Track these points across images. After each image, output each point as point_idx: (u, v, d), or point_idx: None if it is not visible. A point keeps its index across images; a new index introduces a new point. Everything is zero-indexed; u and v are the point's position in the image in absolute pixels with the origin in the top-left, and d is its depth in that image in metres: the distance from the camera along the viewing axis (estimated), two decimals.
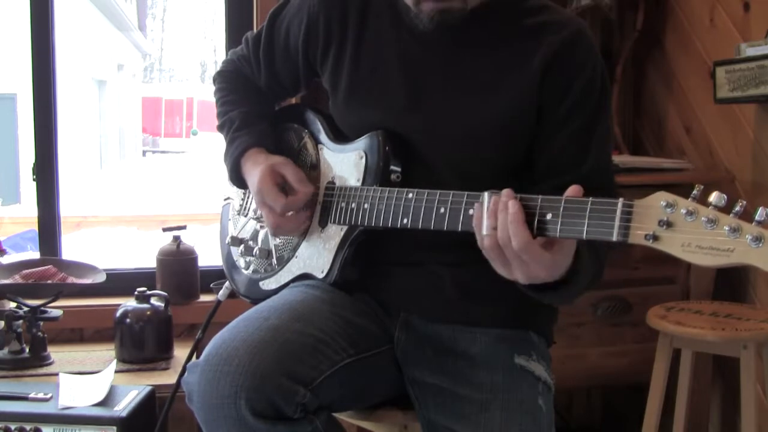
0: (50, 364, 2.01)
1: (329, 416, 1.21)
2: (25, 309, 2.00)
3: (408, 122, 1.30)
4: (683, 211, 0.92)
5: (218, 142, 1.54)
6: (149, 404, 1.77)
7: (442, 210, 1.15)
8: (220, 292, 1.62)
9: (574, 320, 2.15)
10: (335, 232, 1.32)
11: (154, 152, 17.23)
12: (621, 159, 2.25)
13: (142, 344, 2.01)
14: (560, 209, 1.01)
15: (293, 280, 1.40)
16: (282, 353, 1.14)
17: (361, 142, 1.32)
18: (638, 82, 2.69)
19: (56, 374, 1.87)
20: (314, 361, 1.18)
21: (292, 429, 1.13)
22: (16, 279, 2.05)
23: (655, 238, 0.93)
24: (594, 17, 2.50)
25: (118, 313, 2.03)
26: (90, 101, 12.01)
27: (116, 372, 1.87)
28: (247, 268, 1.48)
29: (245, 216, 1.51)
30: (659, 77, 2.60)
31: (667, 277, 2.22)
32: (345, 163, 1.34)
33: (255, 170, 1.35)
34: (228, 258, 1.54)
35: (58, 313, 2.03)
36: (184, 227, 2.30)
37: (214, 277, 2.09)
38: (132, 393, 1.75)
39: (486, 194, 1.07)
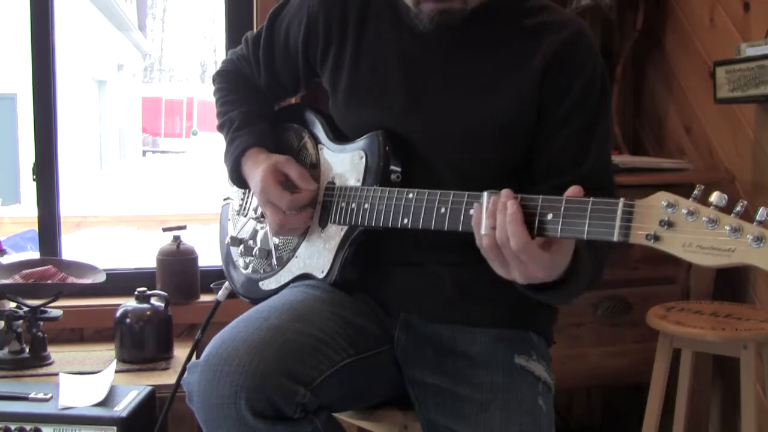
0: (50, 364, 2.01)
1: (329, 416, 1.21)
2: (25, 309, 2.00)
3: (408, 122, 1.29)
4: (684, 211, 0.92)
5: (218, 142, 1.54)
6: (149, 404, 1.77)
7: (443, 210, 1.15)
8: (220, 292, 1.62)
9: (574, 320, 2.15)
10: (335, 232, 1.32)
11: (154, 152, 17.23)
12: (621, 159, 2.25)
13: (142, 344, 2.01)
14: (561, 209, 1.01)
15: (293, 280, 1.39)
16: (282, 353, 1.14)
17: (361, 142, 1.32)
18: (638, 82, 2.69)
19: (56, 374, 1.87)
20: (314, 361, 1.18)
21: (292, 429, 1.13)
22: (16, 279, 2.04)
23: (657, 238, 0.93)
24: (594, 17, 2.50)
25: (118, 313, 2.03)
26: (90, 101, 12.01)
27: (116, 372, 1.87)
28: (246, 268, 1.48)
29: (245, 216, 1.51)
30: (659, 77, 2.60)
31: (667, 277, 2.22)
32: (345, 163, 1.34)
33: (256, 169, 1.35)
34: (227, 258, 1.54)
35: (58, 313, 2.03)
36: (184, 227, 2.30)
37: (214, 277, 2.09)
38: (132, 393, 1.75)
39: (485, 194, 1.07)
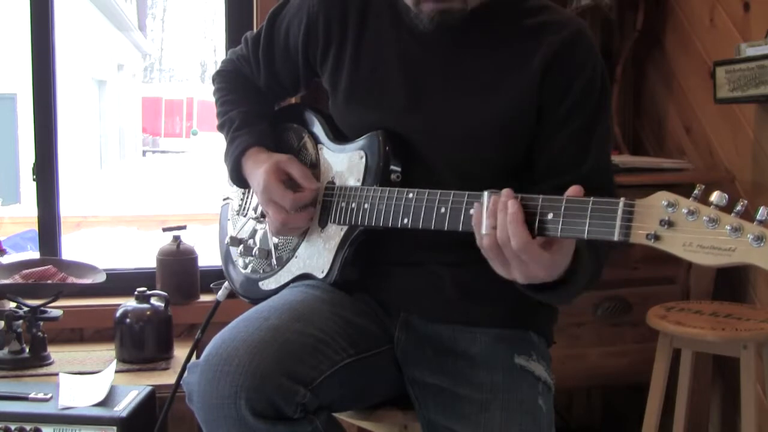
0: (50, 364, 2.01)
1: (329, 416, 1.21)
2: (25, 309, 2.00)
3: (408, 122, 1.29)
4: (685, 210, 0.92)
5: (218, 142, 1.54)
6: (149, 404, 1.77)
7: (443, 210, 1.14)
8: (219, 292, 1.62)
9: (574, 320, 2.15)
10: (335, 232, 1.32)
11: (154, 152, 17.23)
12: (621, 159, 2.25)
13: (142, 344, 2.01)
14: (561, 209, 1.01)
15: (293, 280, 1.39)
16: (282, 353, 1.14)
17: (361, 142, 1.32)
18: (638, 82, 2.69)
19: (56, 374, 1.87)
20: (314, 361, 1.18)
21: (292, 429, 1.13)
22: (16, 279, 2.04)
23: (657, 237, 0.93)
24: (594, 17, 2.50)
25: (118, 313, 2.03)
26: (90, 101, 12.01)
27: (116, 372, 1.87)
28: (246, 268, 1.48)
29: (244, 216, 1.51)
30: (659, 77, 2.60)
31: (667, 277, 2.22)
32: (345, 162, 1.34)
33: (258, 169, 1.35)
34: (227, 258, 1.54)
35: (58, 313, 2.03)
36: (184, 227, 2.30)
37: (214, 277, 2.08)
38: (132, 393, 1.75)
39: (485, 194, 1.07)
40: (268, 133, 1.45)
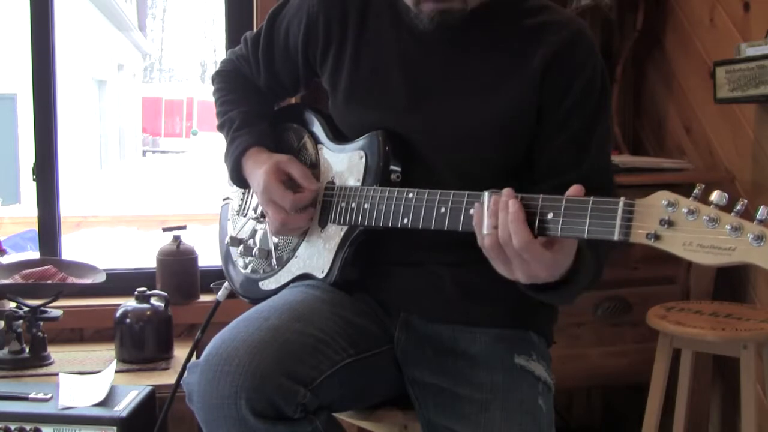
0: (50, 364, 2.01)
1: (329, 416, 1.21)
2: (25, 309, 2.00)
3: (408, 122, 1.29)
4: (684, 210, 0.92)
5: (218, 142, 1.54)
6: (149, 404, 1.77)
7: (443, 210, 1.14)
8: (219, 292, 1.62)
9: (574, 320, 2.15)
10: (335, 232, 1.32)
11: (154, 152, 17.23)
12: (621, 159, 2.25)
13: (142, 344, 2.01)
14: (561, 208, 1.01)
15: (293, 281, 1.39)
16: (282, 353, 1.14)
17: (361, 142, 1.32)
18: (638, 82, 2.69)
19: (56, 374, 1.87)
20: (314, 361, 1.17)
21: (292, 429, 1.13)
22: (16, 279, 2.04)
23: (657, 237, 0.93)
24: (594, 17, 2.50)
25: (118, 313, 2.03)
26: (90, 101, 12.02)
27: (116, 372, 1.87)
28: (246, 269, 1.48)
29: (244, 216, 1.51)
30: (659, 77, 2.60)
31: (667, 277, 2.22)
32: (345, 162, 1.34)
33: (258, 169, 1.35)
34: (227, 258, 1.54)
35: (58, 313, 2.03)
36: (184, 227, 2.30)
37: (214, 277, 2.08)
38: (132, 393, 1.75)
39: (486, 193, 1.07)
40: (268, 133, 1.45)
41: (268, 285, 1.43)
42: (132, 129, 16.13)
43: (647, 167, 2.23)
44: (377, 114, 1.31)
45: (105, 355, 2.08)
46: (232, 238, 1.50)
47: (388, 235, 1.26)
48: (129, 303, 2.04)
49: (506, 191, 1.05)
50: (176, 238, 2.26)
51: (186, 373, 1.23)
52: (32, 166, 2.33)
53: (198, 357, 1.25)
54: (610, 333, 2.19)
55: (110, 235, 5.65)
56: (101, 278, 2.08)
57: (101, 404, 1.69)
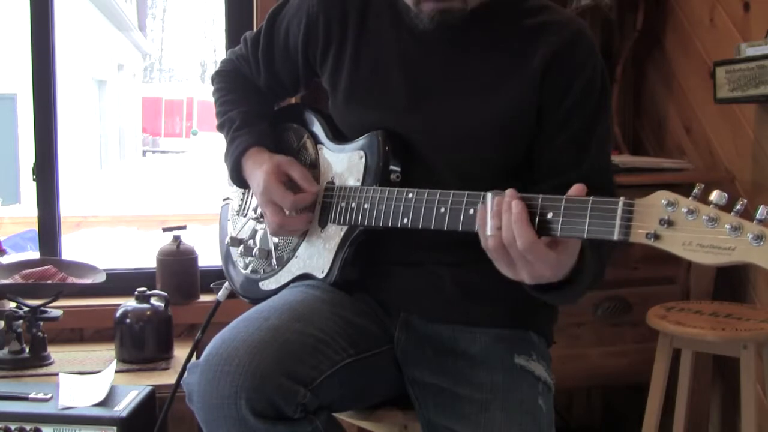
0: (50, 364, 2.01)
1: (329, 416, 1.21)
2: (25, 309, 2.00)
3: (408, 122, 1.29)
4: (684, 209, 0.92)
5: (218, 142, 1.53)
6: (149, 404, 1.77)
7: (443, 210, 1.14)
8: (220, 292, 1.62)
9: (574, 320, 2.15)
10: (335, 232, 1.32)
11: (154, 152, 17.23)
12: (621, 159, 2.25)
13: (142, 344, 2.01)
14: (561, 208, 1.01)
15: (293, 281, 1.39)
16: (282, 353, 1.14)
17: (361, 142, 1.32)
18: (638, 82, 2.69)
19: (56, 374, 1.86)
20: (314, 361, 1.17)
21: (292, 429, 1.13)
22: (16, 279, 2.04)
23: (657, 236, 0.93)
24: (594, 17, 2.50)
25: (118, 313, 2.03)
26: (90, 101, 12.02)
27: (116, 372, 1.87)
28: (246, 269, 1.48)
29: (244, 216, 1.51)
30: (659, 77, 2.60)
31: (667, 277, 2.22)
32: (345, 162, 1.34)
33: (258, 169, 1.35)
34: (227, 258, 1.54)
35: (58, 313, 2.03)
36: (184, 227, 2.30)
37: (214, 277, 2.09)
38: (132, 393, 1.75)
39: (489, 194, 1.07)
40: (268, 133, 1.45)
41: (268, 285, 1.43)
42: (132, 129, 16.13)
43: (647, 167, 2.23)
44: (377, 114, 1.31)
45: (105, 355, 2.08)
46: (232, 238, 1.50)
47: (388, 235, 1.26)
48: (129, 303, 2.04)
49: (509, 192, 1.05)
50: (176, 238, 2.26)
51: (186, 373, 1.23)
52: (32, 166, 2.33)
53: (198, 357, 1.25)
54: (610, 333, 2.19)
55: (110, 235, 5.65)
56: (101, 278, 2.08)
57: (101, 404, 1.69)
